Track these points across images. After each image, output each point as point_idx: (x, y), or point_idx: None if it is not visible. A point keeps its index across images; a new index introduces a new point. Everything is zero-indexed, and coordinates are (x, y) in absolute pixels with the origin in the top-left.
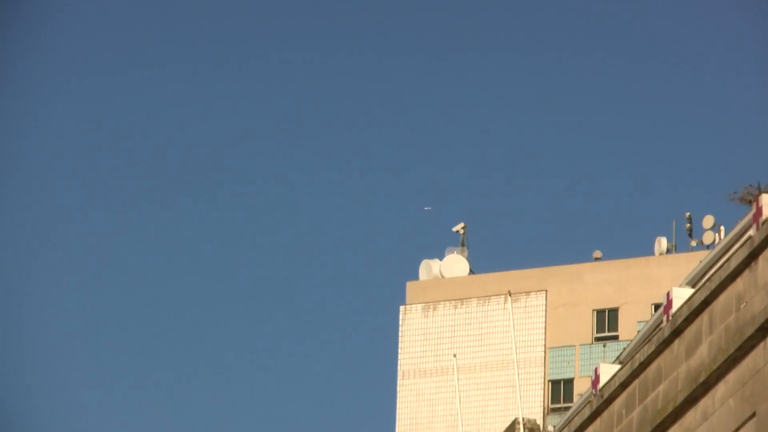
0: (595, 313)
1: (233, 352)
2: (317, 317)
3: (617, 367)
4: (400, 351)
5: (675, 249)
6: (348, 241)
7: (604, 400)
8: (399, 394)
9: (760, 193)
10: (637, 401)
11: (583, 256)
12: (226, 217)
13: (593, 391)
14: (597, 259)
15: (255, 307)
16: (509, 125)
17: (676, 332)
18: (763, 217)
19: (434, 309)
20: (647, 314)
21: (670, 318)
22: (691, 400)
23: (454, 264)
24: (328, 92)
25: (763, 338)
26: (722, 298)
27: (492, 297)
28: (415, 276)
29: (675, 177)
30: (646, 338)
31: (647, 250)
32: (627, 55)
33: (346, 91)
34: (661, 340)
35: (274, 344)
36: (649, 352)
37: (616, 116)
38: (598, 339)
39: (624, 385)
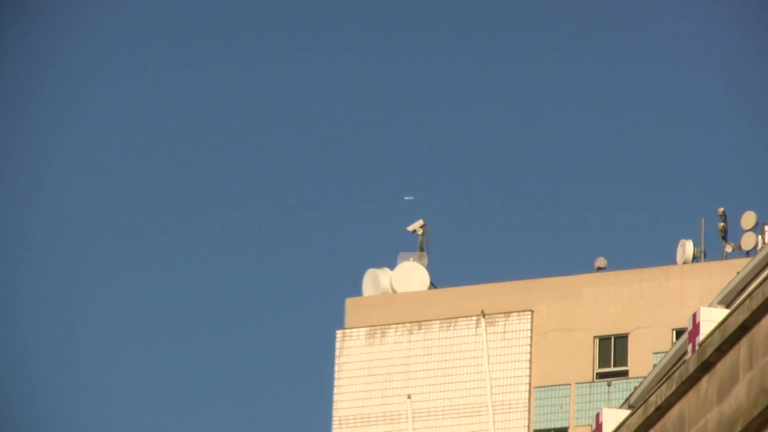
0: (597, 340)
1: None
2: (223, 339)
3: (626, 412)
4: (336, 390)
5: (704, 256)
6: (266, 246)
7: None
8: None
9: None
10: None
11: (582, 266)
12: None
13: None
14: (600, 269)
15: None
16: (484, 110)
17: (705, 367)
18: None
19: (383, 334)
20: (666, 343)
21: (697, 348)
22: None
23: (410, 275)
24: (244, 93)
25: None
26: (766, 323)
27: (460, 319)
28: (357, 291)
29: (703, 162)
30: (664, 375)
31: (667, 258)
32: (625, 49)
33: (273, 90)
34: (684, 378)
35: (182, 404)
36: (669, 393)
37: (627, 93)
38: (600, 375)
39: None
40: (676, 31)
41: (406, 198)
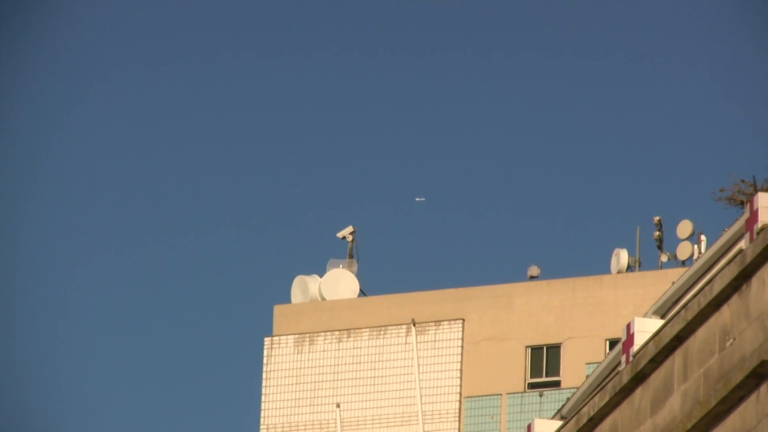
0: (529, 350)
1: None
2: (150, 345)
3: (558, 423)
4: (263, 399)
5: (639, 265)
6: (194, 251)
7: None
8: None
9: (756, 191)
10: None
11: (515, 275)
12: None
13: None
14: (533, 277)
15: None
16: (414, 115)
17: (639, 378)
18: (760, 223)
19: (311, 342)
20: (600, 353)
21: (631, 359)
22: None
23: (339, 282)
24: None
25: (755, 387)
26: (701, 334)
27: (390, 327)
28: (286, 298)
29: (640, 168)
30: (597, 386)
31: (601, 267)
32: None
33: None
34: (618, 389)
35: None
36: (602, 404)
37: (563, 99)
38: (532, 386)
39: None
40: (595, 38)
41: (417, 199)
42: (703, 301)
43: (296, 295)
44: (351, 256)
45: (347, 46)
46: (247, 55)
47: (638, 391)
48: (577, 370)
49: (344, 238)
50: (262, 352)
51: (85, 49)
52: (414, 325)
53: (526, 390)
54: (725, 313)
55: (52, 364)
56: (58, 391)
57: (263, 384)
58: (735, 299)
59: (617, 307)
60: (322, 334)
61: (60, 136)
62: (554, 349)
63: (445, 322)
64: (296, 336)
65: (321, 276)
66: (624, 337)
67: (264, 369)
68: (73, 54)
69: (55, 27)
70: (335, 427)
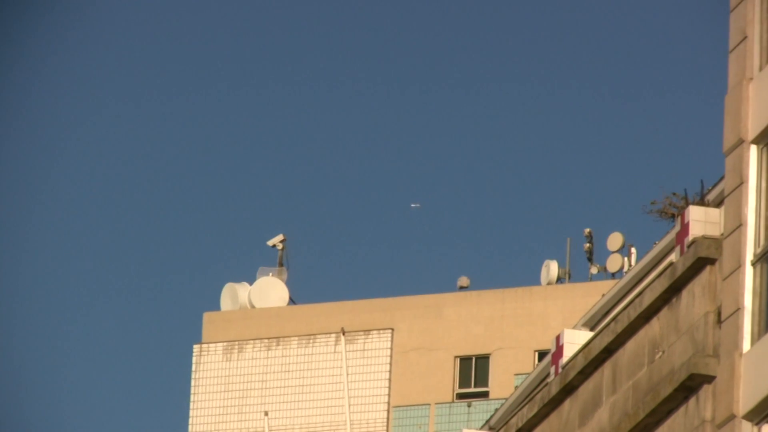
0: (458, 361)
1: None
2: (81, 351)
3: None
4: (192, 407)
5: (569, 277)
6: (123, 257)
7: None
8: None
9: (688, 204)
10: None
11: (444, 285)
12: None
13: None
14: (462, 288)
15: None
16: (344, 123)
17: (568, 390)
18: (691, 236)
19: (240, 350)
20: (529, 365)
21: (560, 370)
22: None
23: (269, 290)
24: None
25: (684, 400)
26: (631, 346)
27: (319, 336)
28: (215, 305)
29: (571, 180)
30: (526, 397)
31: (531, 279)
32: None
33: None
34: (546, 400)
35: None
36: (530, 415)
37: (492, 107)
38: (461, 396)
39: None
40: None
41: (413, 205)
42: (633, 313)
43: (226, 302)
44: (281, 264)
45: (274, 61)
46: (177, 58)
47: (567, 403)
48: (505, 381)
49: (274, 246)
50: (191, 359)
51: (84, 48)
52: (343, 334)
53: (455, 400)
54: (655, 326)
55: None
56: None
57: (192, 391)
58: (665, 312)
59: (547, 318)
60: (251, 341)
61: None
62: (483, 360)
63: (375, 332)
64: (225, 343)
65: (251, 284)
66: (553, 349)
67: (192, 376)
68: (71, 52)
69: (48, 21)
70: None
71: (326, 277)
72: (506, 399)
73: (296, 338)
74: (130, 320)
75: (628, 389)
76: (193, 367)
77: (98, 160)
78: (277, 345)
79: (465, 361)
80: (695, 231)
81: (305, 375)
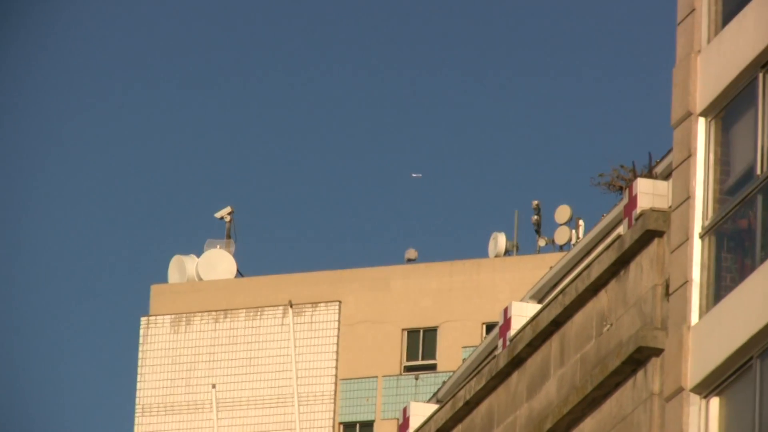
0: (405, 333)
1: None
2: (28, 324)
3: (434, 407)
4: (139, 378)
5: (516, 250)
6: (71, 229)
7: None
8: None
9: (636, 176)
10: None
11: (392, 257)
12: None
13: None
14: (410, 260)
15: None
16: (287, 99)
17: (516, 363)
18: (639, 209)
19: (188, 322)
20: (476, 338)
21: (508, 343)
22: None
23: (217, 262)
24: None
25: (632, 373)
26: (579, 319)
27: (266, 308)
28: (163, 278)
29: (519, 152)
30: (473, 370)
31: (479, 251)
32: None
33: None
34: (494, 373)
35: None
36: (478, 388)
37: (440, 86)
38: (408, 369)
39: None
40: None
41: (413, 175)
42: (581, 286)
43: (173, 274)
44: (228, 237)
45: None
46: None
47: (515, 376)
48: (453, 354)
49: (222, 218)
50: (139, 332)
51: (83, 48)
52: (291, 306)
53: (402, 373)
54: (603, 299)
55: None
56: None
57: (139, 363)
58: (613, 285)
59: (494, 291)
60: (199, 314)
61: None
62: (431, 333)
63: (322, 304)
64: (173, 316)
65: (198, 256)
66: (501, 322)
67: (140, 348)
68: (71, 53)
69: (55, 26)
70: (210, 407)
71: (274, 249)
72: (454, 372)
73: (244, 311)
74: (78, 292)
75: (576, 362)
76: (141, 340)
77: (48, 135)
78: (225, 317)
79: (413, 333)
80: (643, 203)
81: (253, 347)
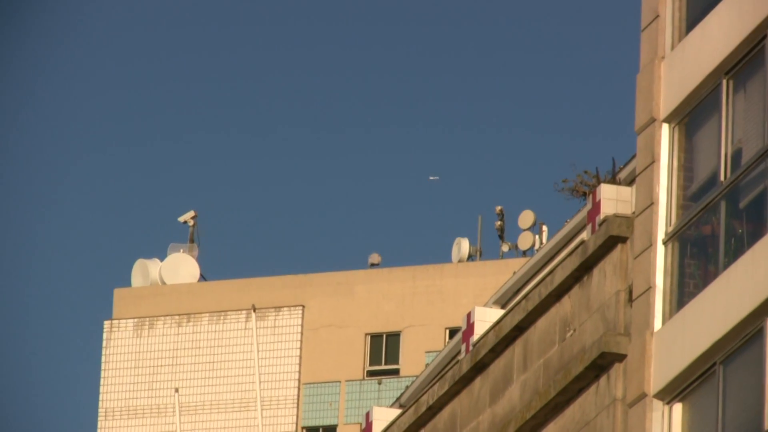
0: (368, 338)
1: None
2: None
3: (397, 411)
4: (102, 381)
5: (480, 255)
6: (34, 232)
7: None
8: None
9: (599, 182)
10: None
11: (356, 262)
12: None
13: None
14: (374, 265)
15: None
16: (256, 104)
17: (479, 368)
18: (602, 214)
19: (151, 326)
20: (440, 342)
21: (471, 348)
22: None
23: (180, 266)
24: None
25: (595, 378)
26: (542, 324)
27: (229, 312)
28: (126, 282)
29: (482, 157)
30: (437, 375)
31: (442, 256)
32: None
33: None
34: (457, 378)
35: None
36: (441, 393)
37: (410, 87)
38: (371, 374)
39: None
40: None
41: (431, 177)
42: (544, 291)
43: (136, 278)
44: (192, 241)
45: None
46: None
47: (478, 381)
48: (416, 359)
49: (185, 222)
50: (102, 335)
51: (83, 48)
52: (254, 310)
53: (365, 377)
54: (566, 304)
55: None
56: None
57: (102, 367)
58: (576, 290)
59: (458, 296)
60: (162, 318)
61: None
62: (394, 337)
63: (285, 309)
64: (136, 320)
65: (162, 260)
66: (464, 327)
67: (103, 352)
68: (71, 52)
69: (55, 26)
70: (173, 411)
71: (237, 253)
72: (417, 376)
73: (207, 315)
74: (40, 295)
75: (539, 367)
76: (104, 343)
77: (6, 139)
78: (188, 321)
79: (376, 338)
80: (607, 209)
81: (216, 351)
